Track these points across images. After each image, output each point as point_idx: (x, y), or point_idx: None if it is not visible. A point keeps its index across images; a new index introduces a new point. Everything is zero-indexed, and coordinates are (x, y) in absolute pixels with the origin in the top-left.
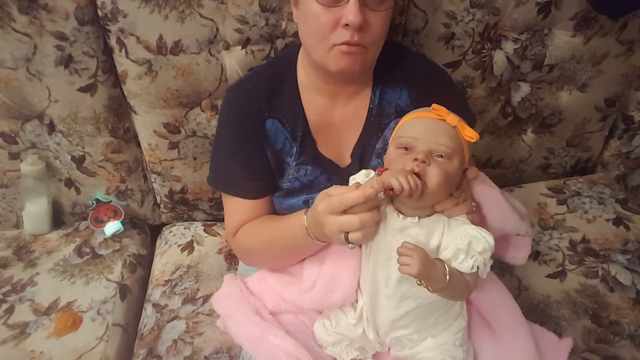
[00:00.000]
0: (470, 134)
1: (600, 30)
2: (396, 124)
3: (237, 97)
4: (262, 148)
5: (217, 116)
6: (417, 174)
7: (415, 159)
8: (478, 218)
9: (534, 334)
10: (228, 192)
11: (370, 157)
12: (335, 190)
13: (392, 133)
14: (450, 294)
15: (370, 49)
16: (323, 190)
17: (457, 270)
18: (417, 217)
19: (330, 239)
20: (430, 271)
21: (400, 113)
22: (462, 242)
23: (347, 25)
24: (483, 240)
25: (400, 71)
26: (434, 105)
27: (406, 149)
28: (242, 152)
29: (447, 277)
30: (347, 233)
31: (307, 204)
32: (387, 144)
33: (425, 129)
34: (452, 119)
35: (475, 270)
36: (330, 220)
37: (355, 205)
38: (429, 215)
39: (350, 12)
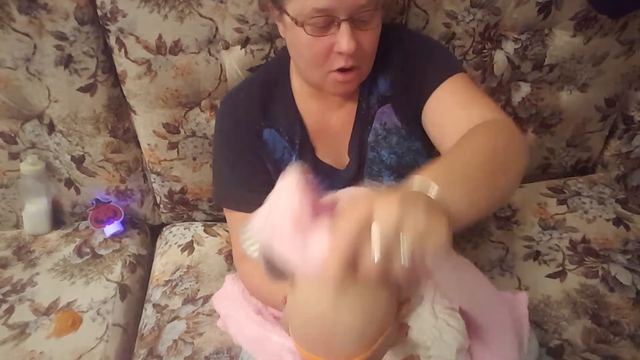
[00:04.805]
0: None
1: (601, 30)
2: (383, 113)
3: (231, 109)
4: (261, 159)
5: (214, 129)
6: None
7: None
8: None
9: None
10: (231, 206)
11: (366, 151)
12: None
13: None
14: None
15: (364, 65)
16: None
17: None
18: None
19: None
20: None
21: (382, 100)
22: (421, 346)
23: (340, 52)
24: (447, 347)
25: (378, 59)
26: None
27: None
28: (241, 165)
29: None
30: None
31: None
32: (378, 136)
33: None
34: None
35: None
36: None
37: None
38: None
39: (343, 41)
